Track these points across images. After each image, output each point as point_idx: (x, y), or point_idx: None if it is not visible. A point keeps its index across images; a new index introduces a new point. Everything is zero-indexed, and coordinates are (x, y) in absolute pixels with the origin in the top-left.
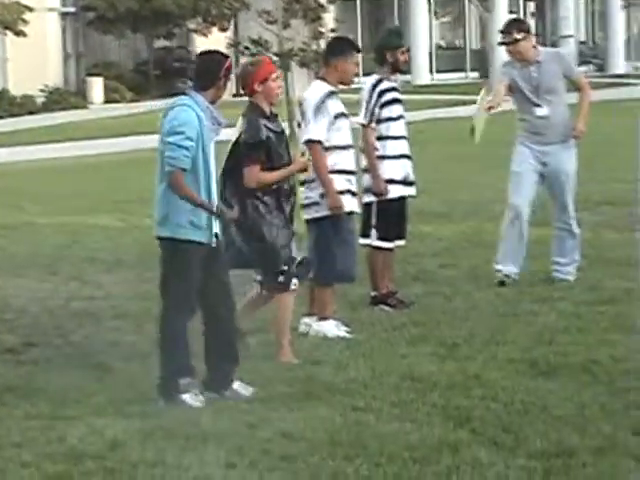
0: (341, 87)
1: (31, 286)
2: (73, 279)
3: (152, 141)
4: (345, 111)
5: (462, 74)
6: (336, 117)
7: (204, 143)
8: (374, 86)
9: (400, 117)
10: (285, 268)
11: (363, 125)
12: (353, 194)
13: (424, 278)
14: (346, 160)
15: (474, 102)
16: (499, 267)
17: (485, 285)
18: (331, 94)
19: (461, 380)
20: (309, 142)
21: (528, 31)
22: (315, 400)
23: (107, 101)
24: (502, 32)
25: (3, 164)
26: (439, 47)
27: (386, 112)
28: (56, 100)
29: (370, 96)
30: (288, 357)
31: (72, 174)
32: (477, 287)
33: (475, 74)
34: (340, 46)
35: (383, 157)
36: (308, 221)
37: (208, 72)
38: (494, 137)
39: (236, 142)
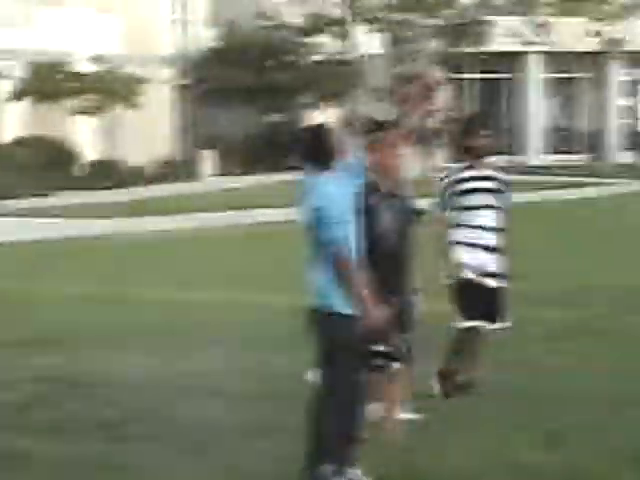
0: None
1: (135, 361)
2: (177, 355)
3: (262, 215)
4: None
5: (575, 156)
6: None
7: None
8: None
9: (482, 207)
10: (382, 349)
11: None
12: None
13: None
14: None
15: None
16: None
17: None
18: None
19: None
20: None
21: None
22: None
23: (217, 174)
24: None
25: (109, 235)
26: (551, 128)
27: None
28: (166, 172)
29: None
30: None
31: (181, 247)
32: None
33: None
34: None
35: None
36: None
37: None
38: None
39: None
